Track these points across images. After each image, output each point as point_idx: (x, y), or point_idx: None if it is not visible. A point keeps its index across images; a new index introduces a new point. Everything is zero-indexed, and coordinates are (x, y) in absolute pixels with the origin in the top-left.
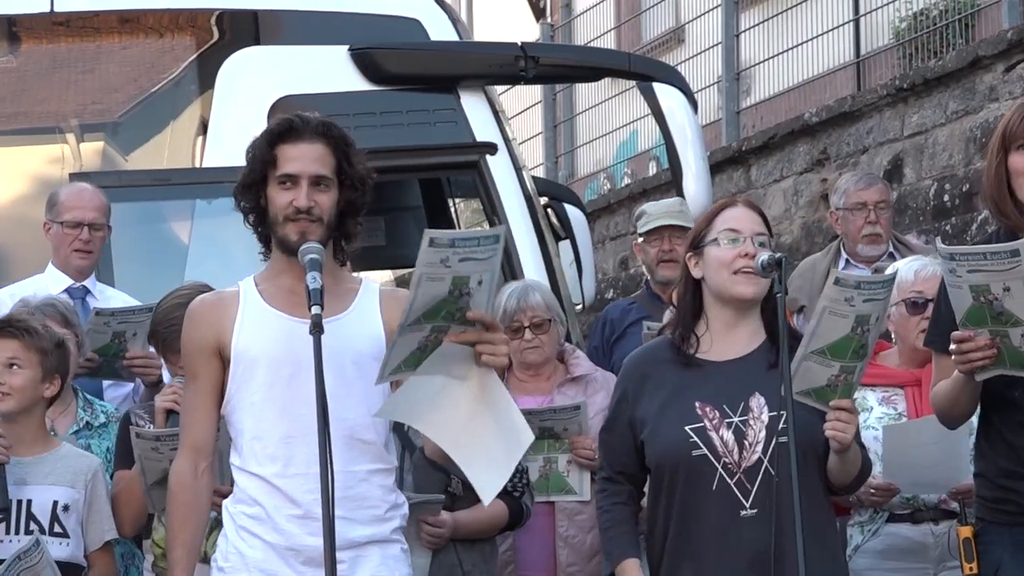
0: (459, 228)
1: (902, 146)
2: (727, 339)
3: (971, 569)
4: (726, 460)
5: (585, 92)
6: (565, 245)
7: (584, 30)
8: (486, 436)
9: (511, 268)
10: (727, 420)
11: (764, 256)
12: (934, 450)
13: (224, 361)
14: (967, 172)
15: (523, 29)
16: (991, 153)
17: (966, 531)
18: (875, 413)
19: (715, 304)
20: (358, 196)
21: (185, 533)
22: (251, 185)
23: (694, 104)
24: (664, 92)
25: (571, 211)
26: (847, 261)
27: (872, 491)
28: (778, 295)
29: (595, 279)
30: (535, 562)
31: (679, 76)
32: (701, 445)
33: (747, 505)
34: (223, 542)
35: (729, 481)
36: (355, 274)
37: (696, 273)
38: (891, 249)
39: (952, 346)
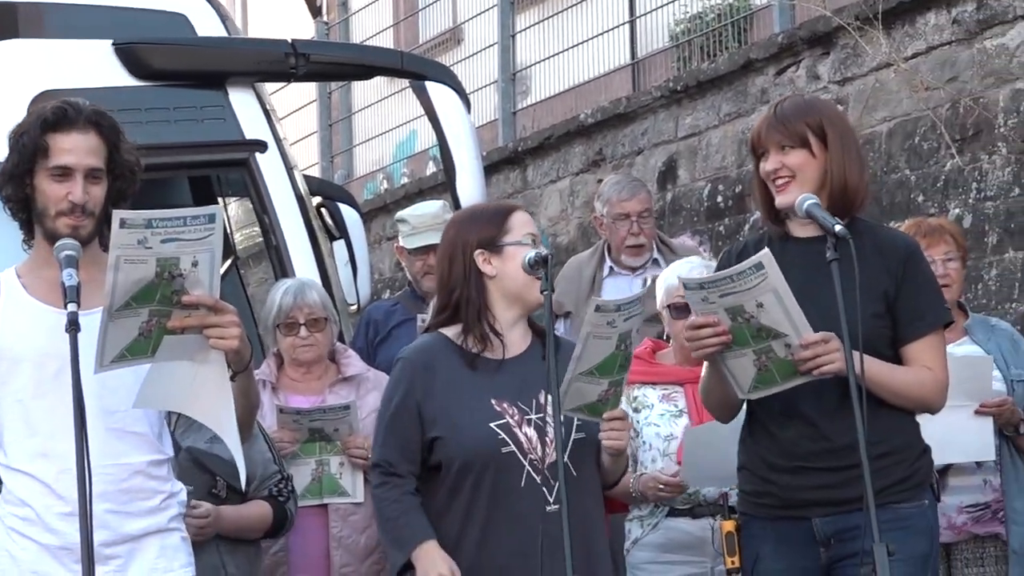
0: (229, 227)
1: (676, 147)
2: (509, 335)
3: (733, 563)
4: (532, 456)
5: (362, 90)
6: (340, 245)
7: (361, 28)
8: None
9: (282, 267)
10: (527, 417)
11: (531, 253)
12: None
13: None
14: (740, 174)
15: (299, 27)
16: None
17: (729, 525)
18: (656, 410)
19: (502, 302)
20: (127, 186)
21: None
22: (19, 174)
23: (468, 104)
24: (437, 91)
25: (345, 211)
26: (611, 268)
27: (661, 487)
28: (544, 292)
29: (371, 280)
30: (308, 564)
31: (452, 75)
32: (509, 442)
33: (551, 500)
34: None
35: (535, 477)
36: None
37: (489, 271)
38: (655, 255)
39: (687, 332)
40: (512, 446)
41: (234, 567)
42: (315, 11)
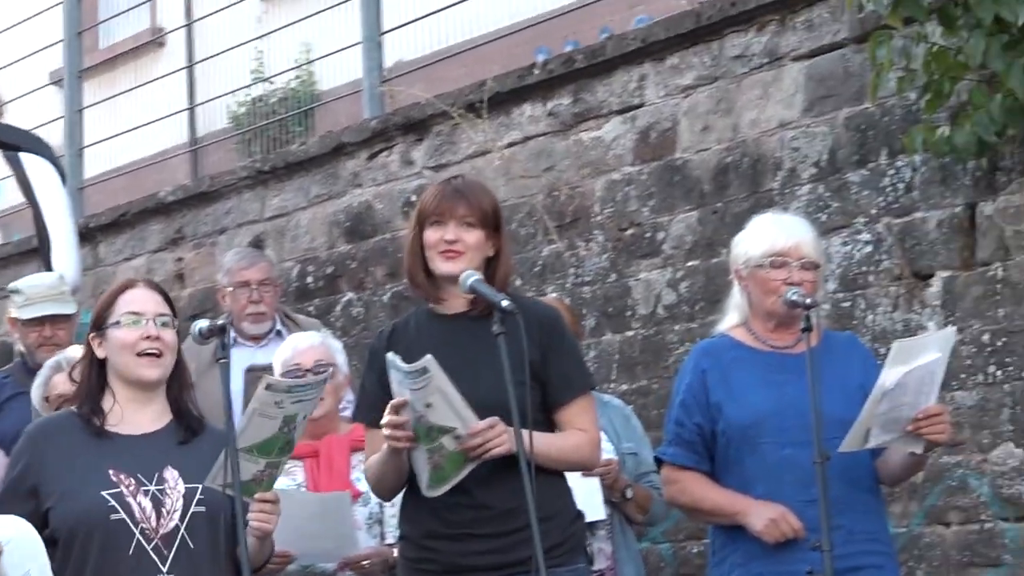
0: None
1: (263, 227)
2: (136, 415)
3: None
4: (144, 525)
5: None
6: None
7: None
8: None
9: None
10: (144, 488)
11: (203, 323)
12: (317, 523)
13: None
14: (330, 255)
15: None
16: (409, 230)
17: None
18: (277, 484)
19: (120, 383)
20: None
21: None
22: None
23: (63, 175)
24: (32, 162)
25: None
26: (234, 339)
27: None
28: (221, 361)
29: None
30: None
31: (47, 146)
32: (119, 509)
33: (164, 569)
34: None
35: (146, 546)
36: None
37: (100, 353)
38: (278, 326)
39: (384, 419)
40: (122, 513)
41: None
42: None
